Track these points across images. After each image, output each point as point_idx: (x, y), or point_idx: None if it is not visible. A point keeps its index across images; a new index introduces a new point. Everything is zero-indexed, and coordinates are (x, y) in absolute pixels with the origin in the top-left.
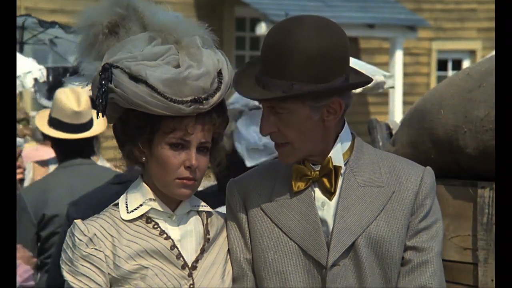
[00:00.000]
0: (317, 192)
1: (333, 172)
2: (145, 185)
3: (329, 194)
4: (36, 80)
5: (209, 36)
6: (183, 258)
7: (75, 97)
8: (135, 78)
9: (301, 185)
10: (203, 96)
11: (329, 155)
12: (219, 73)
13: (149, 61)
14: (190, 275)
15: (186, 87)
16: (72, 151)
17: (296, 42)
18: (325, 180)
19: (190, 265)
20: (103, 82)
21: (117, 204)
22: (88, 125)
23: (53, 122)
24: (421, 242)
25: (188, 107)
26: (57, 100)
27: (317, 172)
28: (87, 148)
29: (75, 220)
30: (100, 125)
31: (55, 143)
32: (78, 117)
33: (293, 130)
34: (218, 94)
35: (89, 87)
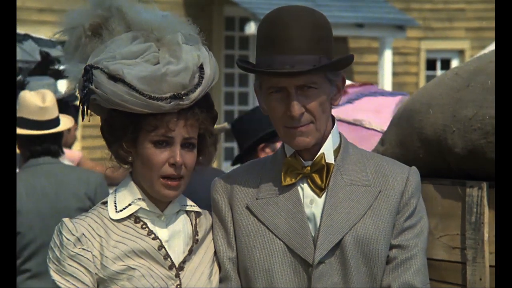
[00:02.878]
0: (306, 189)
1: (325, 168)
2: (134, 184)
3: (319, 190)
4: None
5: (196, 33)
6: (171, 259)
7: (39, 96)
8: (113, 78)
9: (290, 179)
10: (182, 92)
11: (321, 151)
12: (200, 68)
13: (128, 60)
14: (177, 275)
15: (165, 84)
16: (38, 149)
17: (318, 18)
18: (315, 175)
19: (177, 266)
20: (85, 83)
21: (105, 203)
22: (55, 123)
23: (18, 122)
24: (406, 240)
25: (167, 103)
26: (21, 99)
27: (308, 168)
28: (54, 146)
29: (63, 219)
30: (66, 123)
31: (21, 142)
32: (43, 114)
33: (319, 106)
34: (199, 90)
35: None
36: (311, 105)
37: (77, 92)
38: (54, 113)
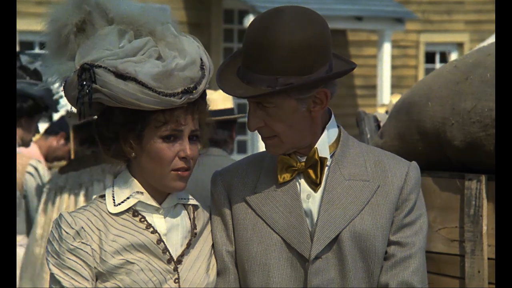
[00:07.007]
0: (303, 184)
1: (319, 163)
2: (132, 178)
3: (314, 185)
4: None
5: (174, 22)
6: (169, 253)
7: None
8: (123, 76)
9: (286, 176)
10: (191, 86)
11: (315, 146)
12: (201, 59)
13: (132, 57)
14: (175, 269)
15: (175, 79)
16: None
17: (278, 36)
18: (310, 171)
19: (175, 259)
20: (84, 83)
21: (103, 196)
22: None
23: None
24: (405, 237)
25: (179, 99)
26: None
27: (303, 163)
28: None
29: (61, 212)
30: None
31: None
32: None
33: (281, 123)
34: (204, 81)
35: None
36: (270, 123)
37: (61, 90)
38: None
